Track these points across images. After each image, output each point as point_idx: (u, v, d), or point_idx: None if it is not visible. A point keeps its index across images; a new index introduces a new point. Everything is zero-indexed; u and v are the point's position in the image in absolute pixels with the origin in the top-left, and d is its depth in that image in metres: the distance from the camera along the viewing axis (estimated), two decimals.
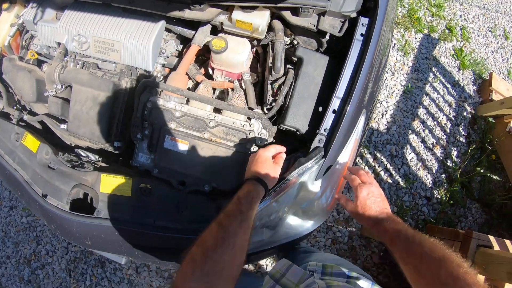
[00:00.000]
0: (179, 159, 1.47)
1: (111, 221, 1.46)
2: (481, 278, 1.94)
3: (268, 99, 1.53)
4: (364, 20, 1.43)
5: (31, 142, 1.66)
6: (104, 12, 1.61)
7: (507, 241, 2.11)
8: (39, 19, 1.70)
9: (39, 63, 1.85)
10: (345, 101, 1.38)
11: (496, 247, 2.02)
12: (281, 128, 1.51)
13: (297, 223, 1.55)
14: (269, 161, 1.27)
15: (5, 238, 3.00)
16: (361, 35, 1.42)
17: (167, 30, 1.71)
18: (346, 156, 1.43)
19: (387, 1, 1.47)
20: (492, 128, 3.30)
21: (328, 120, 1.38)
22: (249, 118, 1.47)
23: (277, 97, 1.51)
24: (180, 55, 1.80)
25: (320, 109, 1.47)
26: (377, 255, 2.84)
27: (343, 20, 1.49)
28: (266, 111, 1.60)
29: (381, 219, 1.14)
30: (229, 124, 1.44)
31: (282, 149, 1.35)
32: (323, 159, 1.36)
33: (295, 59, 1.53)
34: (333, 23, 1.50)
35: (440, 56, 3.52)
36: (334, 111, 1.38)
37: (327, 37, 1.55)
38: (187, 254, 0.90)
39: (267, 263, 2.76)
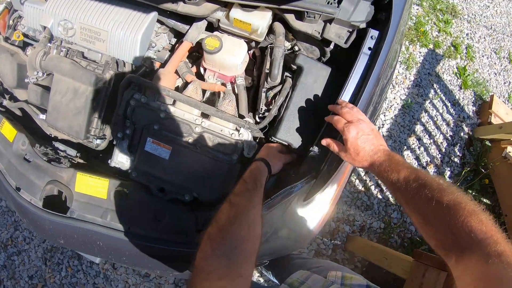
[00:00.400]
0: (160, 164, 1.36)
1: (84, 223, 1.39)
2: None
3: (261, 108, 1.42)
4: (374, 33, 1.33)
5: (8, 130, 1.56)
6: None
7: None
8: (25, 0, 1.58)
9: (25, 45, 1.73)
10: None
11: None
12: (272, 140, 1.41)
13: (282, 242, 1.46)
14: (275, 149, 1.31)
15: None
16: (369, 48, 1.32)
17: (160, 22, 1.59)
18: (338, 177, 1.34)
19: (401, 15, 1.37)
20: (487, 151, 3.23)
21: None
22: (239, 127, 1.36)
23: (271, 107, 1.40)
24: (173, 49, 1.68)
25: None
26: (359, 269, 2.78)
27: (350, 30, 1.39)
28: (257, 119, 1.50)
29: (377, 158, 1.05)
30: (217, 132, 1.34)
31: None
32: (314, 180, 1.27)
33: (295, 67, 1.42)
34: (340, 32, 1.39)
35: (443, 73, 3.44)
36: (330, 130, 1.28)
37: (332, 46, 1.45)
38: (203, 234, 0.90)
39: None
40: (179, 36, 1.66)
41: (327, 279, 1.26)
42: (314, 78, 1.38)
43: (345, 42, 1.37)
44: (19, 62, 1.62)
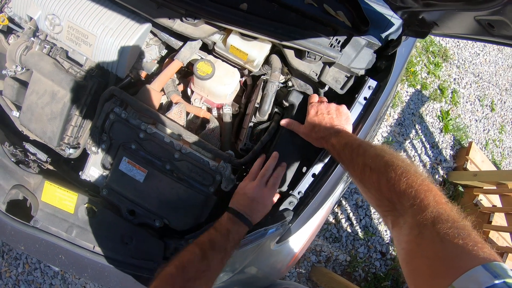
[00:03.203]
0: (133, 186, 1.29)
1: (48, 235, 1.32)
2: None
3: (245, 143, 1.37)
4: (372, 83, 1.30)
5: None
6: None
7: None
8: None
9: (10, 31, 1.61)
10: (328, 166, 1.25)
11: None
12: None
13: (252, 278, 1.42)
14: (259, 198, 1.15)
15: None
16: (365, 98, 1.30)
17: (153, 33, 1.52)
18: (314, 223, 1.31)
19: (402, 67, 1.36)
20: (460, 196, 3.30)
21: (305, 183, 1.26)
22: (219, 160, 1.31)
23: (255, 143, 1.35)
24: (163, 61, 1.61)
25: (304, 169, 1.32)
26: None
27: (348, 75, 1.36)
28: (239, 150, 1.44)
29: (329, 134, 1.11)
30: (196, 161, 1.28)
31: (280, 170, 1.25)
32: (290, 224, 1.23)
33: (286, 104, 1.38)
34: (337, 77, 1.36)
35: (426, 115, 3.49)
36: (314, 175, 1.25)
37: (326, 88, 1.41)
38: (162, 272, 0.89)
39: None
40: (171, 49, 1.59)
41: None
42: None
43: (342, 88, 1.34)
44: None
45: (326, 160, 1.26)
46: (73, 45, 1.42)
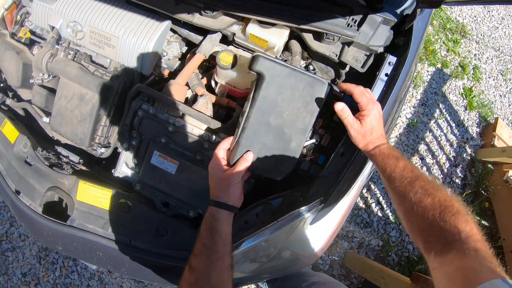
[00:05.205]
0: (166, 178, 1.32)
1: (85, 232, 1.36)
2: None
3: None
4: (391, 59, 1.30)
5: (9, 130, 1.53)
6: (106, 1, 1.45)
7: None
8: None
9: (32, 43, 1.68)
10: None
11: None
12: None
13: (284, 263, 1.43)
14: (223, 179, 1.08)
15: None
16: (386, 75, 1.29)
17: (172, 30, 1.55)
18: (345, 204, 1.31)
19: (420, 41, 1.34)
20: (489, 174, 3.21)
21: (334, 163, 1.25)
22: None
23: None
24: (184, 57, 1.64)
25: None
26: (355, 286, 2.75)
27: (368, 53, 1.36)
28: None
29: (382, 143, 1.07)
30: None
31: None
32: (322, 204, 1.24)
33: None
34: (357, 56, 1.36)
35: (449, 93, 3.42)
36: (342, 154, 1.25)
37: (347, 68, 1.41)
38: None
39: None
40: (191, 45, 1.62)
41: None
42: (279, 89, 1.09)
43: (362, 66, 1.34)
44: (25, 61, 1.57)
45: None
46: (97, 48, 1.46)
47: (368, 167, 1.33)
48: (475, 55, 3.70)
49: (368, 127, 1.05)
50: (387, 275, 2.38)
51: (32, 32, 1.66)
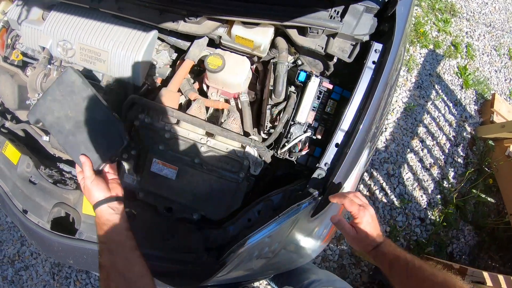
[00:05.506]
0: (167, 184, 1.35)
1: (94, 244, 1.38)
2: None
3: (266, 126, 1.41)
4: (377, 46, 1.31)
5: (11, 152, 1.56)
6: (92, 17, 1.48)
7: (500, 277, 2.05)
8: (23, 19, 1.56)
9: (25, 64, 1.71)
10: (349, 134, 1.27)
11: (489, 283, 1.96)
12: (277, 156, 1.40)
13: (290, 257, 1.46)
14: (85, 190, 1.16)
15: None
16: (373, 62, 1.31)
17: (160, 39, 1.58)
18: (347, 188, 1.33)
19: (405, 25, 1.36)
20: (491, 150, 3.22)
21: (330, 154, 1.28)
22: (244, 145, 1.35)
23: (276, 123, 1.39)
24: (175, 64, 1.67)
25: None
26: (366, 274, 2.77)
27: (354, 43, 1.37)
28: (263, 135, 1.49)
29: (379, 243, 1.09)
30: (222, 151, 1.34)
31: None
32: (321, 196, 1.26)
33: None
34: (343, 46, 1.38)
35: (443, 73, 3.43)
36: (337, 145, 1.28)
37: (335, 60, 1.43)
38: None
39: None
40: (180, 51, 1.65)
41: None
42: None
43: (349, 57, 1.36)
44: (20, 83, 1.61)
45: (346, 128, 1.28)
46: (88, 64, 1.50)
47: (364, 155, 1.36)
48: (466, 33, 3.70)
49: (363, 233, 1.10)
50: None
51: (24, 54, 1.69)
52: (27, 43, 1.56)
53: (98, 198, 1.12)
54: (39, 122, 1.23)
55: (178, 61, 1.57)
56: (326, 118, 1.41)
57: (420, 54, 3.43)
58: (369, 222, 1.11)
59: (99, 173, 1.19)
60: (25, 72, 1.65)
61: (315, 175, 1.27)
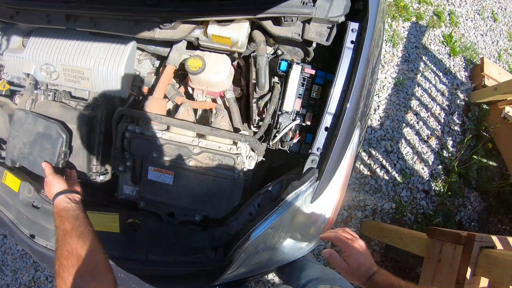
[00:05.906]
0: (166, 190, 1.38)
1: None
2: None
3: (255, 119, 1.43)
4: (354, 26, 1.32)
5: (11, 181, 1.58)
6: (71, 37, 1.50)
7: (510, 239, 2.05)
8: (4, 49, 1.58)
9: (13, 93, 1.73)
10: (337, 116, 1.29)
11: (499, 246, 1.96)
12: (270, 147, 1.41)
13: (294, 246, 1.48)
14: (46, 185, 1.36)
15: (3, 267, 2.91)
16: (351, 42, 1.31)
17: (140, 49, 1.60)
18: (341, 174, 1.34)
19: (379, 1, 1.36)
20: (486, 114, 3.23)
21: (321, 139, 1.29)
22: (236, 141, 1.37)
23: (264, 116, 1.40)
24: (158, 72, 1.68)
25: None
26: (378, 252, 2.79)
27: (330, 26, 1.38)
28: (253, 129, 1.50)
29: (373, 273, 1.11)
30: (215, 149, 1.35)
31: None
32: (318, 181, 1.27)
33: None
34: (320, 30, 1.39)
35: (429, 44, 3.43)
36: (326, 129, 1.29)
37: (314, 45, 1.44)
38: None
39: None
40: (162, 58, 1.66)
41: None
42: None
43: (327, 40, 1.37)
44: (10, 112, 1.62)
45: (333, 111, 1.29)
46: (73, 84, 1.51)
47: (356, 134, 1.37)
48: (448, 0, 3.69)
49: (355, 265, 1.11)
50: (404, 235, 2.42)
51: (10, 83, 1.71)
52: (12, 71, 1.58)
53: (56, 190, 1.26)
54: (15, 163, 1.49)
55: (161, 68, 1.59)
56: (313, 104, 1.42)
57: (404, 27, 3.43)
58: (359, 253, 1.12)
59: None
60: (13, 101, 1.66)
61: (309, 161, 1.28)
